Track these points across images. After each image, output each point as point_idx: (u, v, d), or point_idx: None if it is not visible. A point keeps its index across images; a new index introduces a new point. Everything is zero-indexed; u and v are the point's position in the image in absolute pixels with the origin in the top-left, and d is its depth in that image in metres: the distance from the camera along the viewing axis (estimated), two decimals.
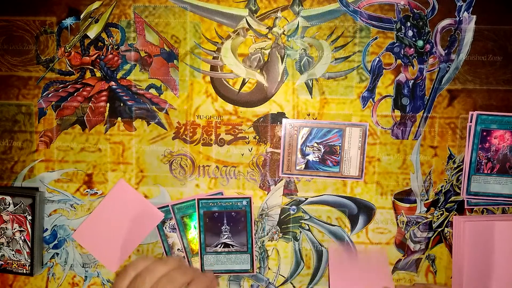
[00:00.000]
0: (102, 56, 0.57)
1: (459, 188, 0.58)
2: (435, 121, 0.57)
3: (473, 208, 0.58)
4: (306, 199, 0.59)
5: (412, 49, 0.56)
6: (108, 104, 0.58)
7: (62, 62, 0.58)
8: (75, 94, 0.58)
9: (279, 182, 0.59)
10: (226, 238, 0.58)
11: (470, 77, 0.57)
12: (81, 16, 0.57)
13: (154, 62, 0.57)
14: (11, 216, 0.58)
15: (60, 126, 0.59)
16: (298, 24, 0.56)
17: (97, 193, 0.59)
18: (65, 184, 0.59)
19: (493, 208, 0.58)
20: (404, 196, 0.58)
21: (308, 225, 0.59)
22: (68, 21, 0.57)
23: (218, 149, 0.58)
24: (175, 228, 0.59)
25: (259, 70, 0.57)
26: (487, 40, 0.56)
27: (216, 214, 0.58)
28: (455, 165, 0.58)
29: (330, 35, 0.56)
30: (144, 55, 0.57)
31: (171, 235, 0.59)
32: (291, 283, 0.60)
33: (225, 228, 0.58)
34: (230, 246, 0.58)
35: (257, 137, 0.58)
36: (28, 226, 0.58)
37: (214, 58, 0.57)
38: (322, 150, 0.57)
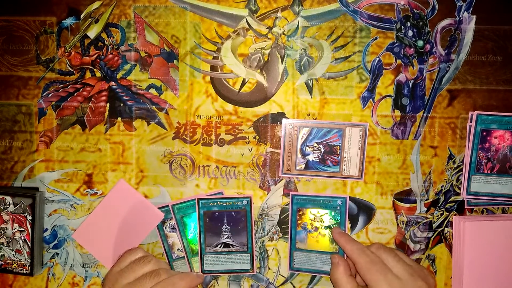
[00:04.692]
0: (102, 56, 0.57)
1: (459, 188, 0.58)
2: (435, 121, 0.57)
3: (473, 208, 0.58)
4: None
5: (412, 49, 0.56)
6: (108, 104, 0.58)
7: (62, 62, 0.58)
8: (75, 94, 0.58)
9: (279, 182, 0.59)
10: (226, 238, 0.58)
11: (470, 77, 0.57)
12: (81, 16, 0.57)
13: (154, 62, 0.57)
14: (11, 216, 0.58)
15: (60, 126, 0.59)
16: (298, 24, 0.56)
17: (97, 193, 0.59)
18: (65, 184, 0.59)
19: (493, 208, 0.58)
20: (404, 196, 0.58)
21: None
22: (68, 21, 0.57)
23: (218, 149, 0.58)
24: (175, 228, 0.59)
25: (259, 70, 0.57)
26: (487, 40, 0.56)
27: (216, 214, 0.58)
28: (455, 165, 0.58)
29: (330, 35, 0.56)
30: (144, 55, 0.57)
31: (171, 235, 0.59)
32: (291, 283, 0.60)
33: (225, 228, 0.58)
34: (230, 246, 0.58)
35: (257, 137, 0.58)
36: (28, 226, 0.58)
37: (214, 58, 0.57)
38: (322, 150, 0.57)
